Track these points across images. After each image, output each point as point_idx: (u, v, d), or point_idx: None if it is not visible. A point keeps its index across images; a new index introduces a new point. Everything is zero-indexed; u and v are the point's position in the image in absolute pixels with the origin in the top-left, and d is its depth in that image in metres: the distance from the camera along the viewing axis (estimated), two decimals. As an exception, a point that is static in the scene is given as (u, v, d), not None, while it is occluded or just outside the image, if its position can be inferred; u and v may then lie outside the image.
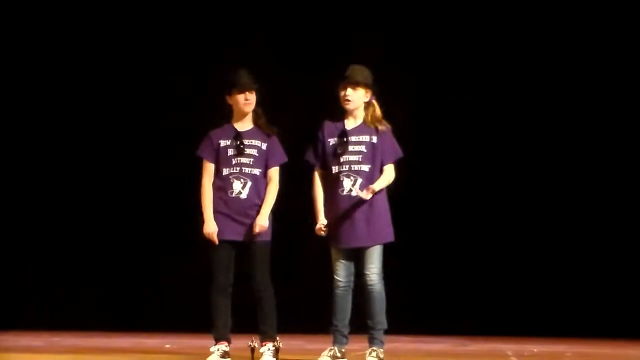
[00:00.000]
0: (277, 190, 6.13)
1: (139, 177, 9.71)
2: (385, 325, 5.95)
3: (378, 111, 6.03)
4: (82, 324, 9.35)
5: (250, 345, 6.09)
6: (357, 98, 5.99)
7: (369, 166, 5.95)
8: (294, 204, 6.29)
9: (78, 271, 9.64)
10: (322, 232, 5.95)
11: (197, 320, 8.81)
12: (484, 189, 9.58)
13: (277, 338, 6.12)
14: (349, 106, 6.00)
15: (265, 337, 6.09)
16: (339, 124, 6.04)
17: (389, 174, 5.96)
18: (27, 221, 9.69)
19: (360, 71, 5.99)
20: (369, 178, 5.93)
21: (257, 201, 6.12)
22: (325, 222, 5.94)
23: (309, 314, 8.31)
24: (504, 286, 9.42)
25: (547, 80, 9.59)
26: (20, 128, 9.78)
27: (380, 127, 5.99)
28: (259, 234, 6.07)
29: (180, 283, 9.55)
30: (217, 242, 6.11)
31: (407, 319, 8.29)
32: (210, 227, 6.13)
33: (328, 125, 6.06)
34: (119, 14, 9.72)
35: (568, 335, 9.07)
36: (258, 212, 6.09)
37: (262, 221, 6.06)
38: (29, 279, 9.72)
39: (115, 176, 9.72)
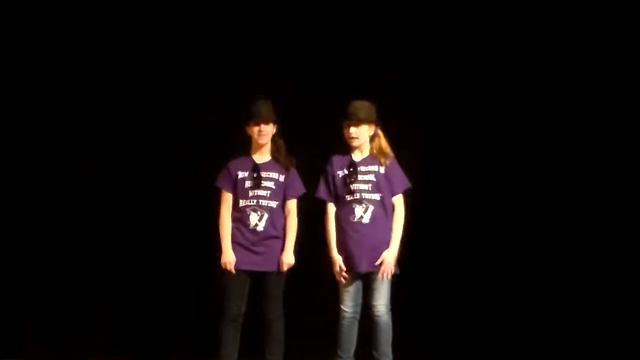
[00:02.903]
0: (297, 223, 6.15)
1: (142, 204, 9.65)
2: (390, 357, 5.97)
3: (384, 142, 6.14)
4: (83, 351, 9.30)
5: (252, 374, 6.07)
6: (361, 134, 6.08)
7: (380, 195, 6.01)
8: (301, 233, 6.25)
9: (79, 298, 9.57)
10: (342, 276, 5.94)
11: (199, 347, 8.85)
12: (488, 219, 9.52)
13: (281, 368, 6.11)
14: (355, 143, 6.09)
15: (270, 367, 6.08)
16: (347, 157, 6.12)
17: (400, 220, 6.02)
18: (27, 247, 9.62)
19: (362, 108, 6.08)
20: (380, 206, 5.99)
21: (273, 233, 6.13)
22: (343, 265, 5.95)
23: (314, 344, 8.26)
24: (512, 316, 9.35)
25: (551, 93, 9.56)
26: (19, 154, 9.74)
27: (383, 160, 6.05)
28: (277, 265, 6.09)
29: (183, 309, 9.50)
30: (234, 271, 6.09)
31: (411, 349, 8.25)
32: (228, 257, 6.14)
33: (336, 159, 6.13)
34: (137, 33, 9.69)
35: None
36: (277, 243, 6.12)
37: (288, 259, 6.11)
38: (29, 306, 9.65)
39: (118, 202, 9.65)
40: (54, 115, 9.68)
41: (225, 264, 6.14)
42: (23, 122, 9.67)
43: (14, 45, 9.60)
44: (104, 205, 9.64)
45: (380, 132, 6.12)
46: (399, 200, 6.04)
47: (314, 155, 6.30)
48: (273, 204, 6.14)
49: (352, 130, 6.03)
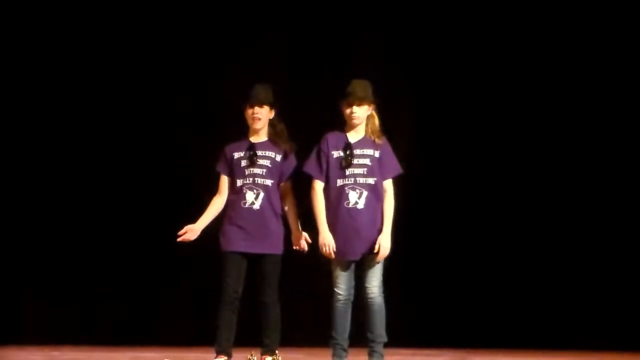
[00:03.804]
0: (295, 202, 6.20)
1: (137, 192, 9.70)
2: (385, 339, 5.94)
3: (377, 122, 6.07)
4: (81, 338, 9.33)
5: (249, 359, 6.09)
6: (362, 113, 6.03)
7: (374, 179, 5.96)
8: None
9: (77, 285, 9.61)
10: (332, 253, 5.92)
11: (196, 334, 8.89)
12: (482, 201, 9.57)
13: (277, 352, 6.12)
14: (357, 122, 6.03)
15: (266, 351, 6.10)
16: (342, 137, 6.06)
17: (391, 203, 5.97)
18: (25, 235, 9.67)
19: (363, 86, 6.02)
20: (374, 191, 5.95)
21: (270, 212, 6.15)
22: (333, 242, 5.91)
23: (309, 327, 8.30)
24: (505, 298, 9.40)
25: (549, 89, 9.58)
26: (17, 146, 9.77)
27: (377, 141, 6.01)
28: (269, 247, 6.11)
29: (179, 296, 9.54)
30: (191, 239, 6.18)
31: (407, 331, 8.29)
32: (189, 226, 6.21)
33: (331, 138, 6.06)
34: (132, 26, 9.74)
35: (570, 348, 9.04)
36: (274, 224, 6.14)
37: (299, 233, 6.16)
38: (28, 293, 9.69)
39: (114, 191, 9.71)
40: (52, 103, 9.76)
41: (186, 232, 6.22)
42: (21, 114, 9.76)
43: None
44: (102, 198, 9.70)
45: (374, 113, 6.08)
46: (389, 185, 6.01)
47: (305, 136, 6.31)
48: (268, 182, 6.15)
49: (355, 109, 5.99)
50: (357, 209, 5.93)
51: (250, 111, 6.21)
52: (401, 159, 6.07)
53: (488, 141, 9.60)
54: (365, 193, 5.94)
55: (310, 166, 6.06)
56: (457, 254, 9.50)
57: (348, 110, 6.01)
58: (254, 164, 6.16)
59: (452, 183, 9.58)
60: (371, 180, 5.96)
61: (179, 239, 6.27)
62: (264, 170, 6.16)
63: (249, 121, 6.23)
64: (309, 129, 6.40)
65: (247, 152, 6.19)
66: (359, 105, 6.00)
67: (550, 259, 9.47)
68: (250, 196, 6.15)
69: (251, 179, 6.16)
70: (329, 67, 9.40)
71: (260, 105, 6.19)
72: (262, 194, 6.14)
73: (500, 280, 9.41)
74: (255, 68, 9.19)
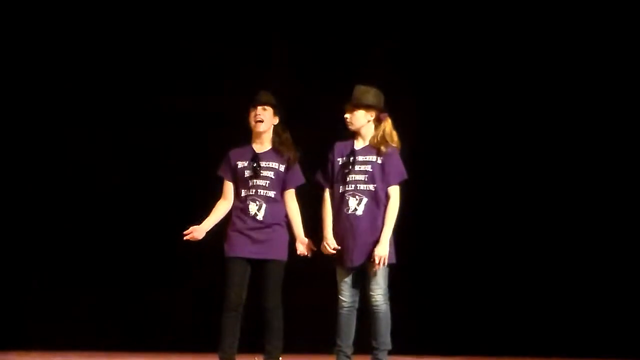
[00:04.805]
0: (298, 210, 6.17)
1: (139, 198, 9.67)
2: (389, 346, 5.92)
3: (389, 130, 6.01)
4: (84, 344, 9.30)
5: (252, 364, 6.08)
6: (356, 119, 6.00)
7: (375, 185, 5.93)
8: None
9: (80, 291, 9.58)
10: (330, 250, 5.90)
11: (199, 341, 8.85)
12: (487, 208, 9.53)
13: (280, 358, 6.10)
14: (350, 127, 6.03)
15: (269, 357, 6.08)
16: (348, 144, 6.05)
17: (392, 211, 5.91)
18: (28, 240, 9.64)
19: (360, 92, 5.99)
20: (375, 197, 5.91)
21: (273, 222, 6.12)
22: (334, 242, 5.90)
23: (312, 334, 8.26)
24: (509, 306, 9.35)
25: (553, 90, 9.54)
26: (22, 149, 9.76)
27: (382, 149, 5.96)
28: (273, 253, 6.09)
29: (183, 302, 9.50)
30: (197, 238, 6.16)
31: (411, 339, 8.24)
32: (194, 227, 6.17)
33: (339, 146, 6.06)
34: (133, 28, 9.72)
35: (575, 355, 8.99)
36: (278, 231, 6.12)
37: (303, 239, 6.12)
38: (31, 299, 9.66)
39: (116, 196, 9.68)
40: (57, 103, 9.74)
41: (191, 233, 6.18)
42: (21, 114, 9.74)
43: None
44: (103, 202, 9.67)
45: (387, 120, 6.02)
46: (394, 192, 5.95)
47: (316, 144, 6.28)
48: (271, 193, 6.13)
49: (347, 115, 5.99)
50: (356, 215, 5.91)
51: (252, 113, 6.17)
52: (404, 163, 6.01)
53: (492, 147, 9.55)
54: (365, 199, 5.92)
55: (318, 175, 6.08)
56: (462, 262, 9.46)
57: (344, 116, 5.98)
58: (257, 175, 6.12)
59: (458, 189, 9.54)
60: (372, 187, 5.92)
61: (185, 238, 6.21)
62: (268, 182, 6.14)
63: (252, 124, 6.18)
64: (315, 137, 6.38)
65: (251, 163, 6.14)
66: (351, 111, 5.99)
67: (558, 267, 9.43)
68: (253, 207, 6.13)
69: (254, 190, 6.13)
70: (333, 73, 9.36)
71: (263, 107, 6.14)
72: (264, 206, 6.12)
73: (505, 288, 9.37)
74: (258, 73, 9.18)
